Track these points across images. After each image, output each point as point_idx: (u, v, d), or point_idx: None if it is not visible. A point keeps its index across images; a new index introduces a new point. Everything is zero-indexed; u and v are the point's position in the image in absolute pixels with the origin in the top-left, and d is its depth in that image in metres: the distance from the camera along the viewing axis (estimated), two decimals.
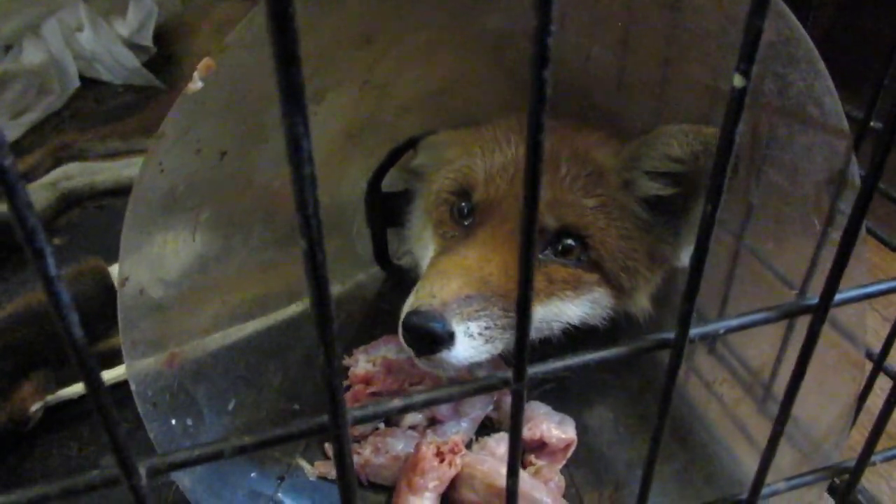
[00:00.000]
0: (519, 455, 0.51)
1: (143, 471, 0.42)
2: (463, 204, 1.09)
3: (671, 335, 0.50)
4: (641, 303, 1.10)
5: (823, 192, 0.84)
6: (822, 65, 0.78)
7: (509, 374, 0.47)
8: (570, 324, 1.06)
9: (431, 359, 0.94)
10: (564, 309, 1.04)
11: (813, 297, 0.53)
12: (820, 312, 0.52)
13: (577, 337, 1.10)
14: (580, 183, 1.03)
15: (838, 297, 0.53)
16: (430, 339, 0.91)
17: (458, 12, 1.02)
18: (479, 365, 1.15)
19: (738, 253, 0.99)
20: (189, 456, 0.43)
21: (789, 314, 0.53)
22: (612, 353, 0.50)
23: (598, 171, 1.04)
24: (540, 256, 1.02)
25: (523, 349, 0.46)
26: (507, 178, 1.05)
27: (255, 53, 0.87)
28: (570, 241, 1.02)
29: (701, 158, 0.93)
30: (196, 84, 0.82)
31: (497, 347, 0.97)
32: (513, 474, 0.52)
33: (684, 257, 1.07)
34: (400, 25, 1.02)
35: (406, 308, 0.96)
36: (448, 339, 0.91)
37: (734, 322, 0.52)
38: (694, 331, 0.50)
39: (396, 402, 0.47)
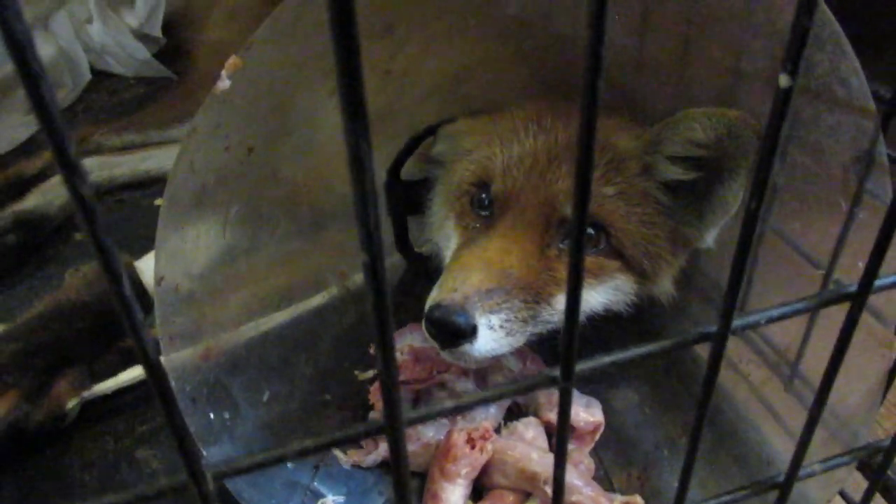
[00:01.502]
0: (566, 449, 0.52)
1: (209, 476, 0.44)
2: (483, 195, 1.10)
3: (713, 328, 0.51)
4: (665, 286, 1.11)
5: (850, 172, 0.85)
6: (848, 46, 0.78)
7: (556, 372, 0.48)
8: (593, 311, 1.07)
9: (454, 351, 0.96)
10: (587, 297, 1.05)
11: (851, 285, 0.54)
12: (859, 300, 0.53)
13: (599, 322, 1.11)
14: (600, 171, 1.03)
15: (878, 283, 0.53)
16: (453, 331, 0.93)
17: None
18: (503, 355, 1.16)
19: (762, 233, 0.99)
20: (253, 461, 0.45)
21: (828, 303, 0.54)
22: (656, 347, 0.51)
23: (617, 158, 1.04)
24: (560, 246, 1.02)
25: (572, 347, 0.47)
26: (524, 170, 1.05)
27: (280, 49, 0.88)
28: (590, 230, 1.03)
29: (725, 142, 0.93)
30: (224, 83, 0.83)
31: (518, 340, 0.98)
32: (559, 466, 0.53)
33: (708, 239, 1.08)
34: (421, 13, 1.02)
35: (430, 301, 0.98)
36: (471, 332, 0.92)
37: (775, 312, 0.53)
38: (736, 322, 0.51)
39: (448, 404, 0.48)
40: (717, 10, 0.87)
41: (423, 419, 0.48)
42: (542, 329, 1.01)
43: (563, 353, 0.47)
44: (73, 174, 0.32)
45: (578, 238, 0.40)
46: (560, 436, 0.52)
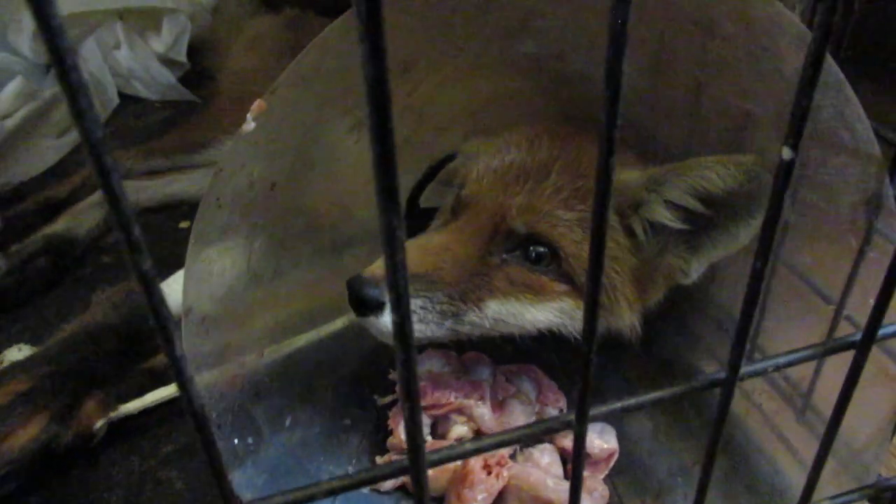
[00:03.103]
0: (580, 490, 0.54)
1: None
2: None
3: (722, 375, 0.54)
4: (626, 320, 1.10)
5: (859, 210, 0.87)
6: (851, 91, 0.80)
7: (572, 416, 0.51)
8: (535, 326, 1.08)
9: (365, 321, 1.00)
10: (523, 311, 1.05)
11: (856, 333, 0.56)
12: (864, 349, 0.55)
13: (611, 346, 1.12)
14: (564, 195, 1.04)
15: (881, 332, 0.56)
16: (362, 302, 0.97)
17: (495, 38, 1.05)
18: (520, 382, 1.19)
19: (773, 268, 1.01)
20: (286, 499, 0.48)
21: (833, 350, 0.56)
22: (666, 393, 0.54)
23: (589, 188, 1.04)
24: (504, 256, 1.05)
25: (586, 393, 0.49)
26: (492, 179, 1.09)
27: (303, 91, 0.92)
28: (540, 249, 1.04)
29: (745, 185, 0.93)
30: (249, 125, 0.86)
31: (433, 330, 1.01)
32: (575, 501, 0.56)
33: (694, 274, 1.07)
34: (438, 53, 1.05)
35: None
36: (377, 306, 0.97)
37: (782, 360, 0.55)
38: (744, 370, 0.53)
39: (469, 445, 0.51)
40: (727, 56, 0.89)
41: (444, 461, 0.51)
42: (469, 330, 1.04)
43: (578, 399, 0.50)
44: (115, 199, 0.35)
45: (593, 307, 0.42)
46: (575, 473, 0.55)
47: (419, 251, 1.02)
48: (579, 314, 1.07)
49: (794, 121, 0.41)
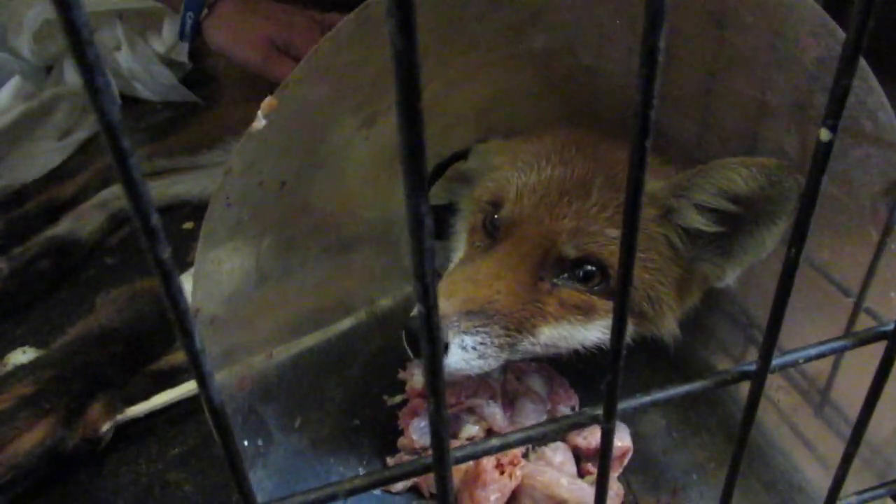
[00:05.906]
0: (606, 490, 0.53)
1: None
2: (494, 216, 1.11)
3: (752, 367, 0.52)
4: (668, 328, 1.10)
5: (880, 202, 0.85)
6: (874, 80, 0.78)
7: (599, 411, 0.50)
8: (584, 345, 1.07)
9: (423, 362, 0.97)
10: (574, 332, 1.05)
11: (888, 324, 0.55)
12: None
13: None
14: (608, 213, 1.03)
15: None
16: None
17: (506, 33, 1.04)
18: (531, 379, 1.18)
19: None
20: (306, 499, 0.46)
21: (865, 341, 0.55)
22: (695, 386, 0.52)
23: None
24: (555, 280, 1.03)
25: (614, 390, 0.48)
26: (534, 199, 1.06)
27: (314, 87, 0.90)
28: (590, 268, 1.03)
29: (766, 189, 0.91)
30: (260, 122, 0.85)
31: (490, 364, 0.99)
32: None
33: (729, 279, 1.07)
34: (448, 50, 1.04)
35: (413, 313, 0.99)
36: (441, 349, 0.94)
37: (813, 351, 0.54)
38: (775, 361, 0.52)
39: (495, 442, 0.49)
40: (742, 46, 0.88)
41: (468, 458, 0.49)
42: (520, 356, 1.03)
43: (606, 394, 0.48)
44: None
45: (622, 299, 0.41)
46: (602, 470, 0.53)
47: (471, 283, 0.99)
48: (629, 329, 1.06)
49: (833, 101, 0.39)
